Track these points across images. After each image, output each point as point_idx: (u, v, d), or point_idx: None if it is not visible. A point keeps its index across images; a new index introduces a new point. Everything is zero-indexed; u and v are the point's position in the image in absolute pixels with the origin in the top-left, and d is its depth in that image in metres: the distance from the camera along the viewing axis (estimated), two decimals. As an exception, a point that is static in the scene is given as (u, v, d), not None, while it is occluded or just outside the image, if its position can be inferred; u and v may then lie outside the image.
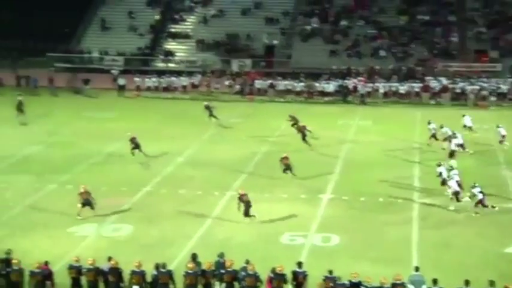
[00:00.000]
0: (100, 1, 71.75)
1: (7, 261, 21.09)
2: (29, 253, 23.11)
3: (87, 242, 25.72)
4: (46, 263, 20.97)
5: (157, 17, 69.86)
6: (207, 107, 44.61)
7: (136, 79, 56.39)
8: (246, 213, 27.64)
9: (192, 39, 67.53)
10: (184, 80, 56.76)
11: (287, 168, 33.04)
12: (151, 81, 56.59)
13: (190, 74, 58.49)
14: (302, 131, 38.88)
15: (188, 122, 44.73)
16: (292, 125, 41.28)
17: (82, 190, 28.21)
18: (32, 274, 20.51)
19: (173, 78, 56.75)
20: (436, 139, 38.89)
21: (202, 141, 40.98)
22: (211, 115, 44.29)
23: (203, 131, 42.85)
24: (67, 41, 67.61)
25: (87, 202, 27.95)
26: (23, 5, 75.63)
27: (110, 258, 21.16)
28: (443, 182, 30.73)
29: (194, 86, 56.63)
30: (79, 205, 27.87)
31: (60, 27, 66.29)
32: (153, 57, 66.17)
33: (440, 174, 31.18)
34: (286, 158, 33.30)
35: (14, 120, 44.39)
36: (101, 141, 39.71)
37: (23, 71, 59.57)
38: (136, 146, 36.14)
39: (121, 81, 56.29)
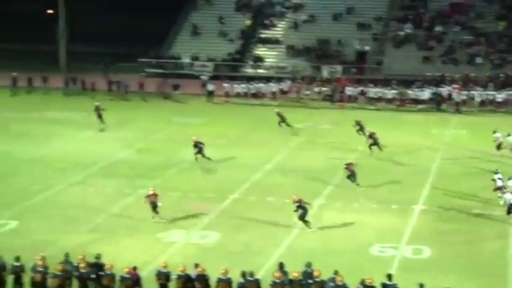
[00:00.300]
0: (191, 6, 72.85)
1: (98, 266, 21.58)
2: (116, 258, 23.48)
3: (175, 248, 26.07)
4: (134, 268, 21.38)
5: (247, 22, 70.40)
6: (279, 114, 44.60)
7: (226, 85, 56.95)
8: (302, 218, 27.66)
9: (282, 44, 67.70)
10: (273, 86, 57.00)
11: (352, 175, 32.84)
12: (240, 87, 57.06)
13: (279, 80, 58.70)
14: (373, 137, 38.66)
15: (277, 128, 44.85)
16: (358, 131, 41.31)
17: (151, 192, 28.68)
18: (122, 279, 20.91)
19: (262, 85, 57.09)
20: (500, 148, 38.39)
21: (291, 148, 41.04)
22: (281, 122, 44.20)
23: (292, 138, 42.91)
24: (158, 46, 68.90)
25: (153, 205, 28.41)
26: (115, 12, 77.63)
27: (196, 265, 21.40)
28: (498, 189, 30.42)
29: (283, 92, 56.78)
30: (148, 206, 28.39)
31: (151, 33, 67.58)
32: (243, 63, 66.67)
33: (496, 180, 30.75)
34: (351, 164, 33.12)
35: (107, 124, 45.41)
36: (190, 146, 40.19)
37: (114, 76, 61.06)
38: (199, 150, 36.52)
39: (210, 86, 56.97)
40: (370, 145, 38.72)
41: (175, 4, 71.23)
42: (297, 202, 27.77)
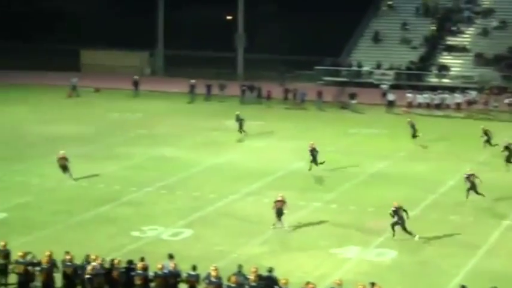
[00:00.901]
0: (372, 13, 72.72)
1: (271, 279, 21.79)
2: (288, 272, 23.62)
3: (349, 265, 26.01)
4: (307, 284, 21.51)
5: (433, 28, 69.32)
6: (412, 125, 43.53)
7: (409, 95, 56.31)
8: (405, 229, 27.80)
9: (470, 52, 66.18)
10: (458, 97, 55.79)
11: (472, 187, 31.90)
12: (422, 97, 56.26)
13: (464, 90, 57.36)
14: (509, 148, 37.29)
15: (461, 142, 43.78)
16: (486, 142, 40.54)
17: (279, 198, 29.08)
18: (305, 295, 21.07)
19: (446, 95, 55.99)
20: None
21: (476, 163, 39.80)
22: (414, 135, 43.28)
23: (477, 153, 41.64)
24: (335, 53, 69.28)
25: (279, 212, 28.80)
26: (292, 20, 78.86)
27: (373, 284, 21.22)
28: None
29: (469, 104, 55.45)
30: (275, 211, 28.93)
31: (329, 41, 68.09)
32: (426, 71, 65.67)
33: None
34: (473, 175, 32.12)
35: (283, 133, 46.20)
36: (367, 159, 40.07)
37: (290, 84, 61.95)
38: (313, 157, 36.67)
39: (390, 96, 56.49)
40: (507, 158, 37.04)
41: (356, 11, 71.38)
42: (394, 208, 27.87)
